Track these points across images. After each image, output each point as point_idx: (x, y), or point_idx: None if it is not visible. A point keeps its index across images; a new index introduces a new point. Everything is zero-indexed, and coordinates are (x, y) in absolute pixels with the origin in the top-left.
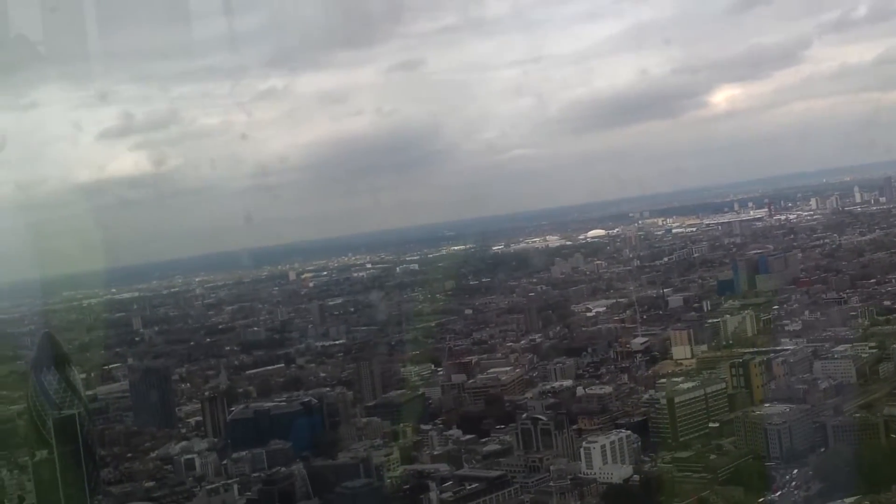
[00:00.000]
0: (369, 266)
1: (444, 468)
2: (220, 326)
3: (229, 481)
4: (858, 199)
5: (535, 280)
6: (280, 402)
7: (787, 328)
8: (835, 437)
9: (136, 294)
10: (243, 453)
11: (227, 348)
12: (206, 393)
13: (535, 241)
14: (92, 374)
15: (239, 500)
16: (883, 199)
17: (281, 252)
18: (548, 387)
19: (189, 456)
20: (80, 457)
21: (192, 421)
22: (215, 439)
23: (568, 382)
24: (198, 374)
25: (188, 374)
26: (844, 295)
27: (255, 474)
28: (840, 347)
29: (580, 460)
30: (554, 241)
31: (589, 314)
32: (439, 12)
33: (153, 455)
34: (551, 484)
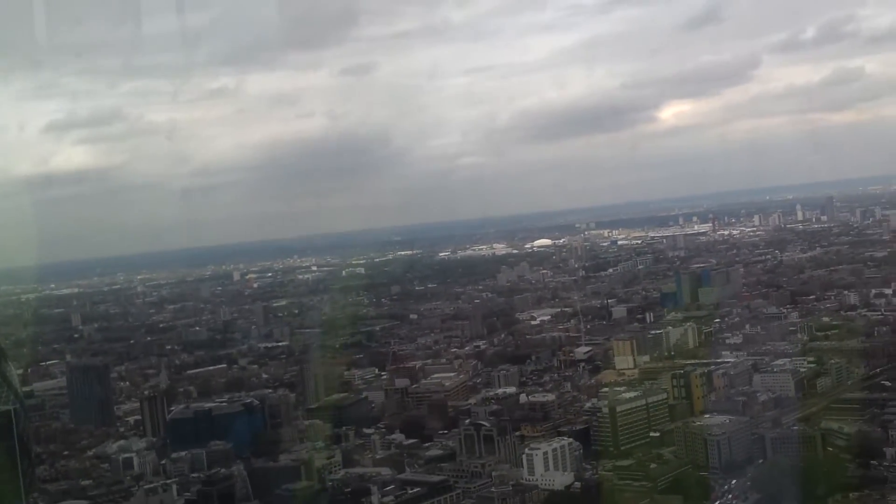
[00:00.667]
0: (315, 269)
1: (385, 472)
2: (161, 325)
3: (168, 481)
4: (800, 217)
5: (480, 287)
6: (221, 402)
7: (728, 341)
8: (773, 448)
9: (76, 290)
10: (183, 453)
11: (168, 347)
12: (146, 392)
13: (481, 249)
14: (28, 371)
15: (177, 500)
16: (824, 218)
17: (225, 252)
18: (491, 393)
19: (127, 455)
20: (16, 454)
21: (130, 420)
22: (154, 438)
23: (511, 389)
24: (137, 372)
25: (127, 372)
26: (784, 310)
27: (194, 475)
28: (779, 361)
29: (522, 467)
30: (501, 249)
31: (534, 322)
32: (395, 17)
33: (90, 453)
34: (493, 490)
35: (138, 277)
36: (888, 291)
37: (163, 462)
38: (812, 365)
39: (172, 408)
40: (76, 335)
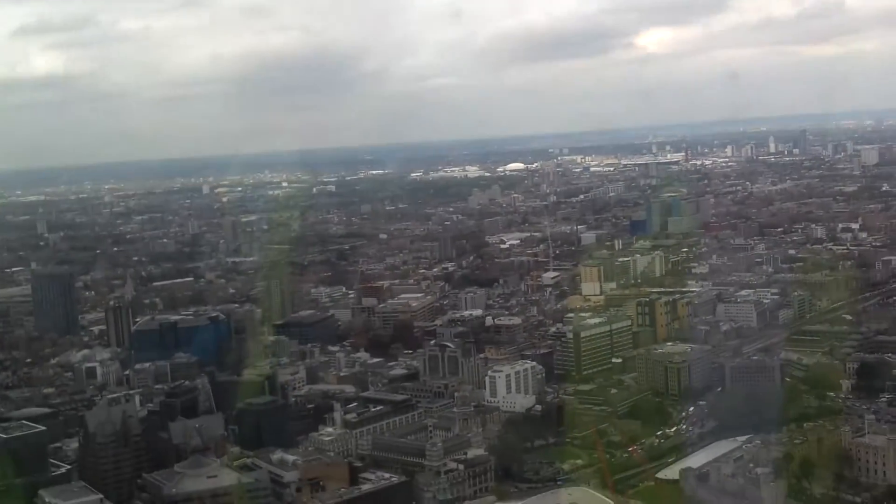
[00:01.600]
0: (285, 185)
1: (349, 390)
2: (128, 236)
3: (131, 392)
4: (773, 150)
5: (451, 209)
6: (187, 315)
7: (694, 271)
8: (732, 377)
9: (42, 198)
10: (147, 365)
11: (135, 259)
12: (111, 302)
13: (454, 171)
14: None
15: (140, 410)
16: (796, 151)
17: (195, 165)
18: (457, 315)
19: (91, 364)
20: None
21: (95, 330)
22: (118, 349)
23: (478, 312)
24: (103, 282)
25: (93, 282)
26: (752, 242)
27: (157, 386)
28: (744, 292)
29: (485, 388)
30: (473, 171)
31: (503, 246)
32: None
33: (54, 361)
34: (455, 410)
35: (106, 187)
36: (855, 226)
37: (126, 373)
38: (775, 296)
39: (138, 319)
40: (41, 243)
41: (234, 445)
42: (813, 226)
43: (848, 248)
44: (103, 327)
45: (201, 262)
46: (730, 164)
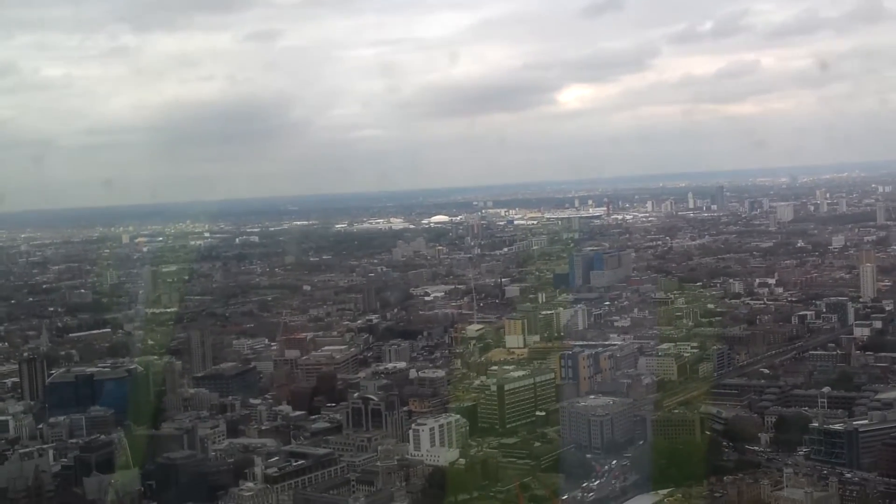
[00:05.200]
0: (208, 235)
1: (270, 443)
2: (44, 286)
3: (44, 446)
4: (692, 205)
5: (376, 261)
6: (104, 367)
7: (616, 324)
8: (654, 430)
9: None
10: (61, 418)
11: (51, 309)
12: (25, 354)
13: (378, 223)
14: None
15: (53, 465)
16: (714, 207)
17: (115, 214)
18: (381, 368)
19: (2, 418)
20: None
21: (8, 382)
22: (32, 402)
23: (402, 364)
24: (17, 333)
25: (7, 333)
26: (672, 296)
27: (72, 440)
28: (664, 345)
29: (409, 442)
30: (398, 223)
31: (427, 298)
32: None
33: None
34: (378, 464)
35: (22, 236)
36: (771, 281)
37: (40, 426)
38: (695, 350)
39: (53, 371)
40: None
41: (151, 501)
42: (731, 280)
43: (765, 303)
44: (16, 379)
45: (119, 312)
46: (650, 218)
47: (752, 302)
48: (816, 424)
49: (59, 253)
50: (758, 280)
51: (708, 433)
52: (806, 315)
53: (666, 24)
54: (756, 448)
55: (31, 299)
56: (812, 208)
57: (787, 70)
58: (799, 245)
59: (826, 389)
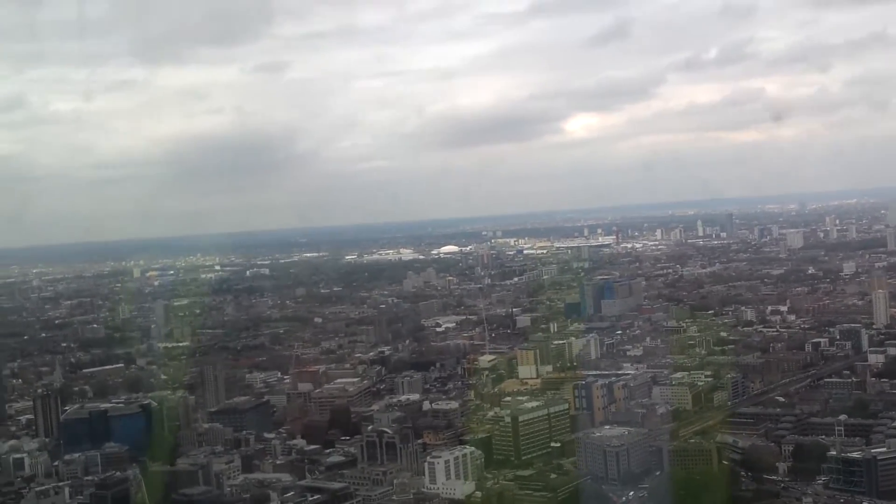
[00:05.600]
0: (218, 268)
1: (286, 478)
2: (56, 321)
3: (60, 484)
4: (701, 233)
5: (386, 292)
6: (118, 403)
7: (629, 353)
8: (671, 460)
9: None
10: (76, 455)
11: (64, 345)
12: (39, 390)
13: (388, 253)
14: None
15: (69, 503)
16: (724, 235)
17: (126, 248)
18: (395, 400)
19: (18, 455)
20: None
21: (22, 419)
22: (47, 439)
23: (415, 396)
24: (31, 370)
25: (20, 369)
26: (684, 324)
27: (87, 477)
28: (678, 374)
29: (424, 475)
30: (407, 254)
31: (439, 329)
32: (311, 18)
33: None
34: (394, 498)
35: (34, 271)
36: (783, 309)
37: (55, 463)
38: (709, 378)
39: (67, 407)
40: None
41: None
42: (743, 308)
43: (778, 331)
44: (31, 416)
45: (132, 347)
46: (660, 247)
47: (764, 329)
48: (834, 453)
49: (70, 288)
50: (770, 307)
51: (725, 463)
52: (820, 342)
53: (671, 52)
54: (774, 477)
55: (43, 335)
56: (822, 235)
57: (792, 97)
58: (810, 272)
59: (843, 417)
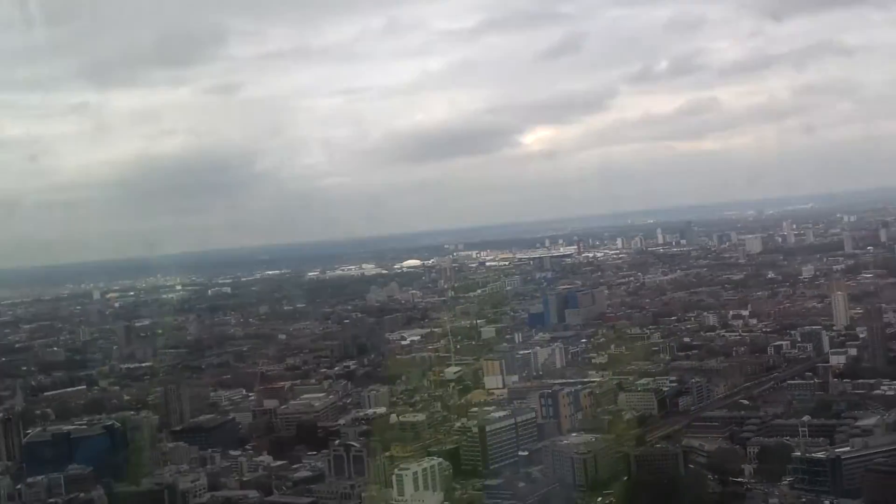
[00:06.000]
0: (179, 288)
1: (253, 495)
2: (16, 345)
3: None
4: (661, 241)
5: (350, 307)
6: (80, 425)
7: (594, 361)
8: (637, 466)
9: None
10: (39, 478)
11: (24, 368)
12: (0, 414)
13: (350, 269)
14: None
15: None
16: (684, 242)
17: (85, 270)
18: (361, 413)
19: None
20: None
21: None
22: (9, 463)
23: (382, 409)
24: None
25: None
26: (647, 331)
27: (51, 500)
28: (643, 380)
29: (392, 487)
30: (370, 269)
31: (404, 342)
32: (265, 38)
33: None
34: None
35: None
36: (745, 313)
37: (18, 487)
38: (674, 384)
39: (29, 431)
40: None
41: None
42: (705, 313)
43: (740, 335)
44: None
45: (94, 369)
46: (621, 255)
47: (727, 334)
48: (799, 453)
49: (29, 311)
50: (731, 312)
51: (691, 466)
52: (781, 345)
53: (623, 64)
54: (740, 479)
55: (3, 359)
56: (780, 240)
57: (745, 106)
58: (770, 276)
59: (806, 418)
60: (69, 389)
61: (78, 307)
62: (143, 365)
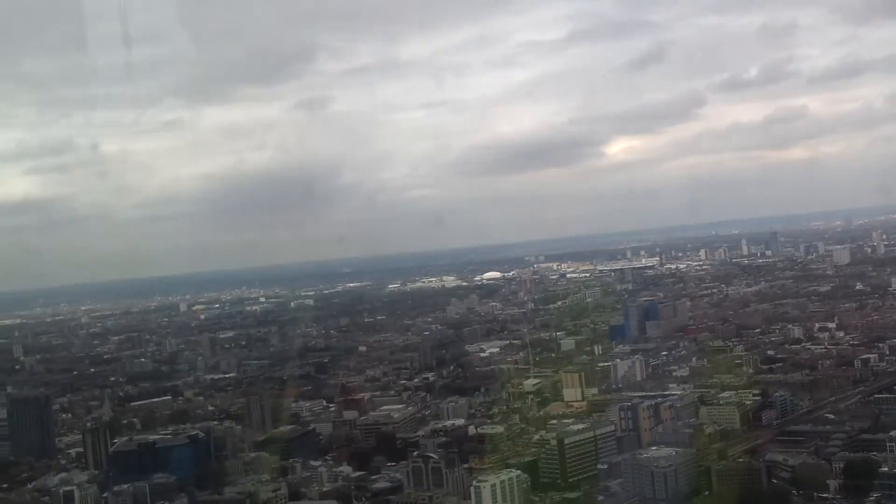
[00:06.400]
0: (263, 300)
1: None
2: (105, 356)
3: None
4: (745, 252)
5: (430, 319)
6: (166, 434)
7: (674, 374)
8: (719, 480)
9: (18, 321)
10: (125, 486)
11: (112, 379)
12: (88, 424)
13: (431, 281)
14: None
15: None
16: (769, 253)
17: (172, 283)
18: (440, 425)
19: (68, 488)
20: None
21: (72, 452)
22: (96, 471)
23: (460, 421)
24: (80, 404)
25: (70, 404)
26: (730, 343)
27: None
28: (725, 394)
29: (470, 499)
30: (451, 281)
31: (483, 354)
32: (351, 54)
33: (30, 486)
34: None
35: (82, 308)
36: (831, 325)
37: (105, 495)
38: (757, 397)
39: (115, 440)
40: (18, 367)
41: None
42: (790, 326)
43: (826, 348)
44: (80, 449)
45: (179, 380)
46: (704, 267)
47: (812, 347)
48: (886, 469)
49: (118, 323)
50: (817, 324)
51: (775, 481)
52: (869, 358)
53: (710, 73)
54: (825, 495)
55: (92, 370)
56: (869, 250)
57: (834, 114)
58: (858, 288)
59: (894, 433)
60: (155, 400)
61: (165, 319)
62: (227, 376)
